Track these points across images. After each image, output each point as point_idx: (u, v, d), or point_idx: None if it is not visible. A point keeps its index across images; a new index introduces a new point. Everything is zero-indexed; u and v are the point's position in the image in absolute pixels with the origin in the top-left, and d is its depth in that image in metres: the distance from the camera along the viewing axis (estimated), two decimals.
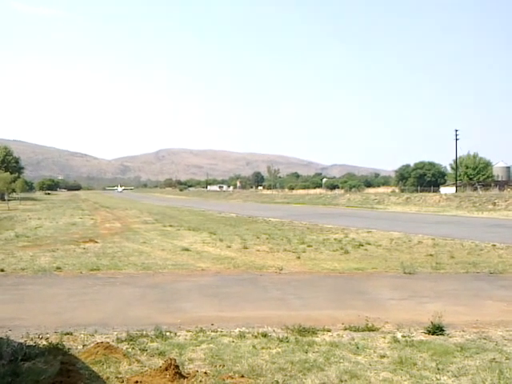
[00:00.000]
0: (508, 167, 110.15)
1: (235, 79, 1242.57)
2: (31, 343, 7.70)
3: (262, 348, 7.62)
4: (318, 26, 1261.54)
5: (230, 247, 20.85)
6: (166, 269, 15.33)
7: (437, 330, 8.46)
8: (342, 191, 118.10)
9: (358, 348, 7.62)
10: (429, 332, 8.48)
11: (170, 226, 32.33)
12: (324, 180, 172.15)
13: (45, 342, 7.76)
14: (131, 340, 7.94)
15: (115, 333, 8.39)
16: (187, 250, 19.79)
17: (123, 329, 8.56)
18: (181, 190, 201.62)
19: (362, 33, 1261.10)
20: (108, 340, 7.85)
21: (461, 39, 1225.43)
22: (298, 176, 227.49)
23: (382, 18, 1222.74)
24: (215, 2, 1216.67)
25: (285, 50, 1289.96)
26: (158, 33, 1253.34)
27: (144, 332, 8.32)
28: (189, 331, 8.55)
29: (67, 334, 8.30)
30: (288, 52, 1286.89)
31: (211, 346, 7.73)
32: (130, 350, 7.48)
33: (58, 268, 15.17)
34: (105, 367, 6.69)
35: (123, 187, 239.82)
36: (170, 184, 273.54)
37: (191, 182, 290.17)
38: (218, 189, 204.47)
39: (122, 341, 7.91)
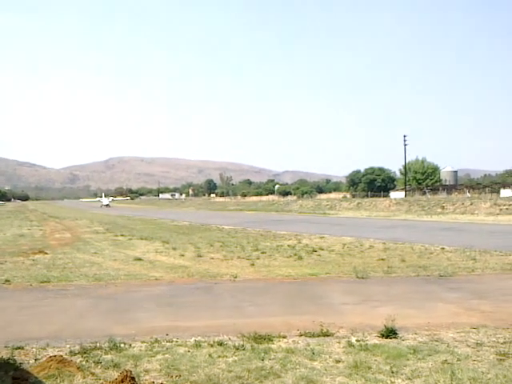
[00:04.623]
0: (455, 171, 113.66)
1: (185, 87, 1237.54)
2: None
3: (219, 357, 7.60)
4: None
5: (183, 256, 20.71)
6: (119, 279, 15.11)
7: (390, 333, 8.60)
8: (295, 197, 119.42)
9: (313, 354, 7.67)
10: (382, 336, 8.61)
11: (122, 235, 31.89)
12: (276, 186, 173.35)
13: None
14: (85, 353, 7.79)
15: (68, 346, 8.22)
16: (140, 259, 19.55)
17: (76, 341, 8.38)
18: (132, 199, 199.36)
19: (304, 35, 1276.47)
20: (61, 353, 7.67)
21: (407, 42, 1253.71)
22: (250, 183, 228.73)
23: (329, 18, 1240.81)
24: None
25: (231, 54, 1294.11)
26: (103, 38, 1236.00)
27: (98, 344, 8.18)
28: (143, 342, 8.45)
29: (18, 348, 8.09)
30: (234, 57, 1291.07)
31: (167, 356, 7.66)
32: (83, 362, 7.35)
33: (7, 281, 14.77)
34: (58, 381, 6.56)
35: (111, 198, 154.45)
36: (121, 193, 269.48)
37: (143, 190, 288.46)
38: (170, 197, 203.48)
39: (76, 353, 7.76)
